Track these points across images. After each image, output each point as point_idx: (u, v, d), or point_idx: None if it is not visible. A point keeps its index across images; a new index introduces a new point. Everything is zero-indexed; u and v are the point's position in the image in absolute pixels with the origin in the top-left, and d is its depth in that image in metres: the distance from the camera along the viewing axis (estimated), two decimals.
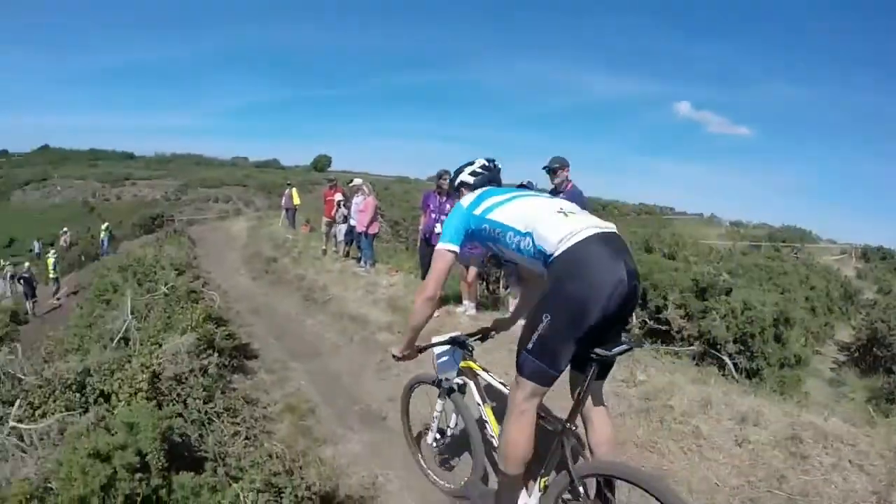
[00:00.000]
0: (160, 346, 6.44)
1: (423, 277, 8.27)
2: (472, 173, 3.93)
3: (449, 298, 9.00)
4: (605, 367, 3.28)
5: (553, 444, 3.21)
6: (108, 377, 5.65)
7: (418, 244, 8.84)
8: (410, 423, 5.00)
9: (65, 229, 38.26)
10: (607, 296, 2.76)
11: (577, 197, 6.48)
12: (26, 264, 23.24)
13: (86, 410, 5.13)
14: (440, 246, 3.63)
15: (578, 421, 3.38)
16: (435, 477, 4.64)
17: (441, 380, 4.19)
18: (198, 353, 6.44)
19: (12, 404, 5.13)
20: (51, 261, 22.57)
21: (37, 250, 37.61)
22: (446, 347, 4.18)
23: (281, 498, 4.20)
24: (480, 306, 8.68)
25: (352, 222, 12.39)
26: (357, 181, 12.29)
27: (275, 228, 20.25)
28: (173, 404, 5.50)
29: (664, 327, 8.43)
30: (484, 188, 3.75)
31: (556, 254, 2.93)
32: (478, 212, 3.49)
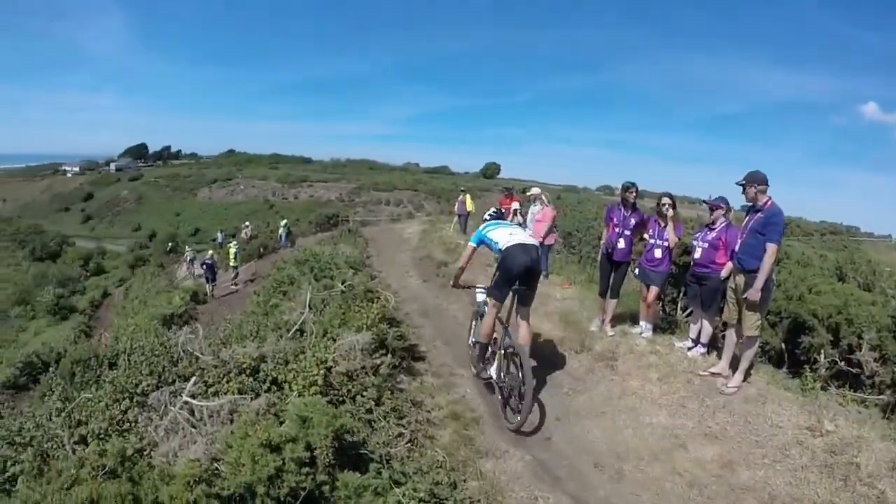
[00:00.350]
0: (334, 341, 6.50)
1: (601, 292, 7.81)
2: (490, 215, 7.18)
3: (625, 318, 8.55)
4: (522, 298, 6.43)
5: (500, 336, 6.54)
6: (282, 366, 5.78)
7: (599, 258, 8.38)
8: (470, 335, 7.76)
9: (246, 223, 41.11)
10: (517, 268, 6.13)
11: (772, 216, 5.90)
12: (210, 252, 24.95)
13: (257, 395, 5.25)
14: (469, 244, 6.97)
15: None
16: (472, 367, 7.41)
17: (477, 308, 7.38)
18: (371, 352, 6.45)
19: (188, 380, 5.36)
20: (232, 250, 24.23)
21: (219, 240, 40.20)
22: (481, 288, 7.24)
23: None
24: (657, 328, 8.10)
25: (527, 231, 12.11)
26: (535, 190, 11.97)
27: (446, 233, 20.31)
28: (345, 401, 5.52)
29: (855, 370, 7.33)
30: (492, 221, 6.98)
31: (502, 250, 6.29)
32: (484, 232, 6.76)
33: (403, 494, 3.99)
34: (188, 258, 33.97)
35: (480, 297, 7.20)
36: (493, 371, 6.63)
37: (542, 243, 11.02)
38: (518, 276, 6.19)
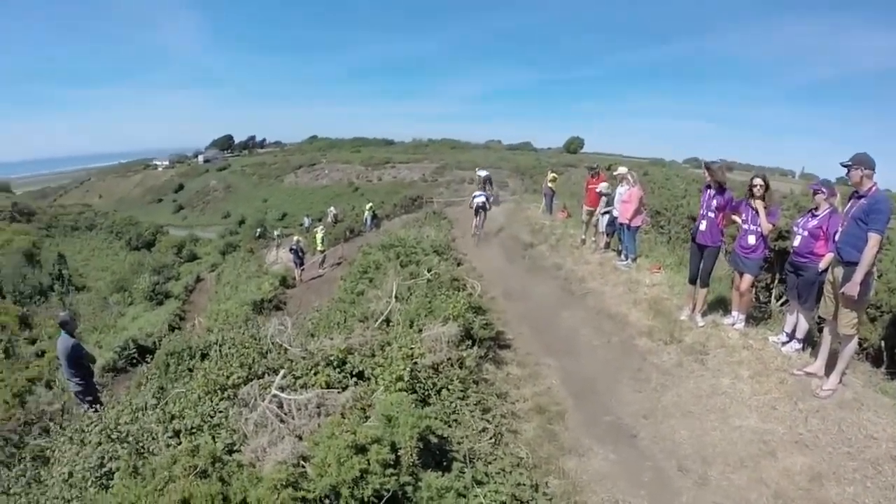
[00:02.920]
0: (420, 332, 6.55)
1: (691, 279, 7.61)
2: None
3: (717, 306, 8.19)
4: None
5: None
6: (369, 358, 5.84)
7: (690, 242, 8.09)
8: None
9: (331, 207, 42.17)
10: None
11: (876, 203, 5.45)
12: (296, 237, 25.32)
13: (344, 388, 5.33)
14: None
15: None
16: None
17: None
18: (457, 343, 6.46)
19: (277, 372, 5.47)
20: (319, 235, 24.63)
21: (306, 224, 41.12)
22: None
23: None
24: (750, 318, 7.71)
25: (614, 213, 11.88)
26: (622, 170, 11.65)
27: (532, 213, 20.12)
28: (430, 395, 5.55)
29: None
30: None
31: None
32: None
33: (485, 496, 3.99)
34: (275, 234, 38.42)
35: None
36: None
37: (629, 225, 10.76)
38: None
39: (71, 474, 4.66)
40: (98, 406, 6.23)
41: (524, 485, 4.49)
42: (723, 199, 7.45)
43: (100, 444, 4.82)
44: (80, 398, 7.76)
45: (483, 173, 23.90)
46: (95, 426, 5.11)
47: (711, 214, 7.50)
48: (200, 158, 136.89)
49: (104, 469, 4.58)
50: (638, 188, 11.00)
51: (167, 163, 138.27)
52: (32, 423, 8.08)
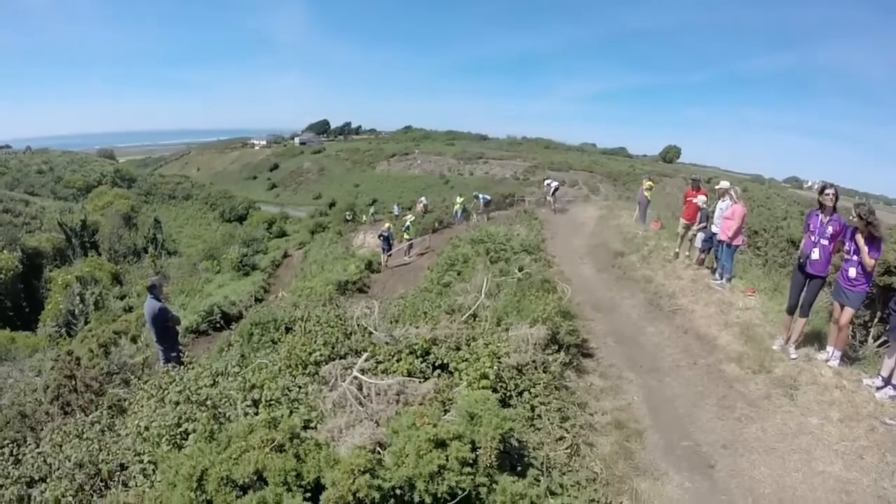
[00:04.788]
0: (507, 330, 6.53)
1: (789, 308, 7.31)
2: None
3: (811, 339, 7.84)
4: None
5: None
6: (453, 351, 5.85)
7: (793, 269, 7.74)
8: None
9: (422, 198, 42.76)
10: None
11: None
12: (386, 224, 26.13)
13: (425, 378, 5.37)
14: None
15: None
16: None
17: None
18: (543, 347, 6.41)
19: (359, 355, 5.57)
20: (409, 223, 25.38)
21: (396, 212, 41.89)
22: None
23: None
24: (845, 356, 7.31)
25: (713, 229, 11.65)
26: (724, 184, 11.24)
27: (624, 221, 19.64)
28: (512, 396, 5.55)
29: None
30: None
31: None
32: None
33: None
34: (372, 213, 41.68)
35: None
36: None
37: (728, 243, 10.46)
38: None
39: (147, 428, 4.88)
40: (178, 366, 6.51)
41: (597, 502, 4.50)
42: (839, 226, 7.03)
43: (178, 403, 5.02)
44: (164, 357, 8.17)
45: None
46: (175, 386, 5.33)
47: (825, 242, 7.10)
48: (296, 140, 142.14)
49: (180, 429, 4.78)
50: (742, 205, 10.63)
51: (264, 142, 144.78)
52: (114, 374, 8.57)
